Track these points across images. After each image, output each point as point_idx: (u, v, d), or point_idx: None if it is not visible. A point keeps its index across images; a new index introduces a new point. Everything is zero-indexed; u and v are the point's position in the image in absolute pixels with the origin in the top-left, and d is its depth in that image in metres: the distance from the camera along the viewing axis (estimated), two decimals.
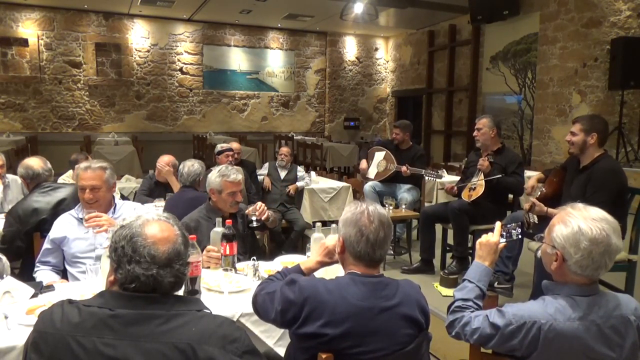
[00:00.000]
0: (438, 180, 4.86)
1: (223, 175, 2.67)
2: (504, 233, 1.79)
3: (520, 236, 1.84)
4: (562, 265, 1.47)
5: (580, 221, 1.44)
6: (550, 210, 3.02)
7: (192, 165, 3.64)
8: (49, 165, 3.09)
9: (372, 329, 1.45)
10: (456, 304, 1.66)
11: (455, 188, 4.15)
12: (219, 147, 4.93)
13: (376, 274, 1.55)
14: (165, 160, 4.36)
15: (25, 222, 2.69)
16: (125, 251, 1.20)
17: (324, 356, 1.41)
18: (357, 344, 1.43)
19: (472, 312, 1.60)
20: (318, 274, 1.79)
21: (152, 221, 1.26)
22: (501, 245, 1.76)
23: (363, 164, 5.21)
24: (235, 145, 5.36)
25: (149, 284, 1.19)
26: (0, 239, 2.76)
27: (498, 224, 1.79)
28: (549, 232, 1.52)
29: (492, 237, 1.75)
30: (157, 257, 1.19)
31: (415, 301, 1.54)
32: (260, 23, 11.66)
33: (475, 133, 4.00)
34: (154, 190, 4.38)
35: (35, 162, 2.99)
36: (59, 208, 2.73)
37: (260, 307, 1.58)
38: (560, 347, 1.42)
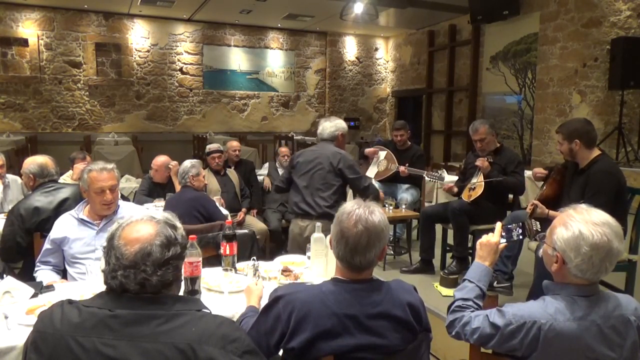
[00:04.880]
0: (440, 182, 4.85)
1: None
2: (504, 233, 1.79)
3: (520, 237, 1.83)
4: (562, 267, 1.47)
5: (582, 225, 1.43)
6: (551, 212, 2.99)
7: (183, 164, 3.70)
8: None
9: (364, 335, 1.43)
10: (456, 303, 1.66)
11: (455, 187, 4.14)
12: (207, 148, 4.91)
13: (362, 279, 1.49)
14: (161, 161, 4.40)
15: (26, 221, 2.69)
16: (105, 250, 1.23)
17: (324, 357, 1.41)
18: (352, 349, 1.42)
19: (472, 312, 1.60)
20: (319, 274, 1.77)
21: (135, 222, 1.25)
22: (501, 245, 1.76)
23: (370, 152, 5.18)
24: (234, 143, 5.35)
25: (116, 285, 1.19)
26: (1, 238, 2.76)
27: (499, 225, 1.79)
28: (550, 233, 1.52)
29: (493, 238, 1.75)
30: (123, 258, 1.18)
31: (405, 303, 1.49)
32: (260, 23, 11.65)
33: (478, 145, 3.92)
34: (153, 190, 4.39)
35: (48, 161, 2.98)
36: (61, 208, 2.72)
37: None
38: (560, 347, 1.42)
